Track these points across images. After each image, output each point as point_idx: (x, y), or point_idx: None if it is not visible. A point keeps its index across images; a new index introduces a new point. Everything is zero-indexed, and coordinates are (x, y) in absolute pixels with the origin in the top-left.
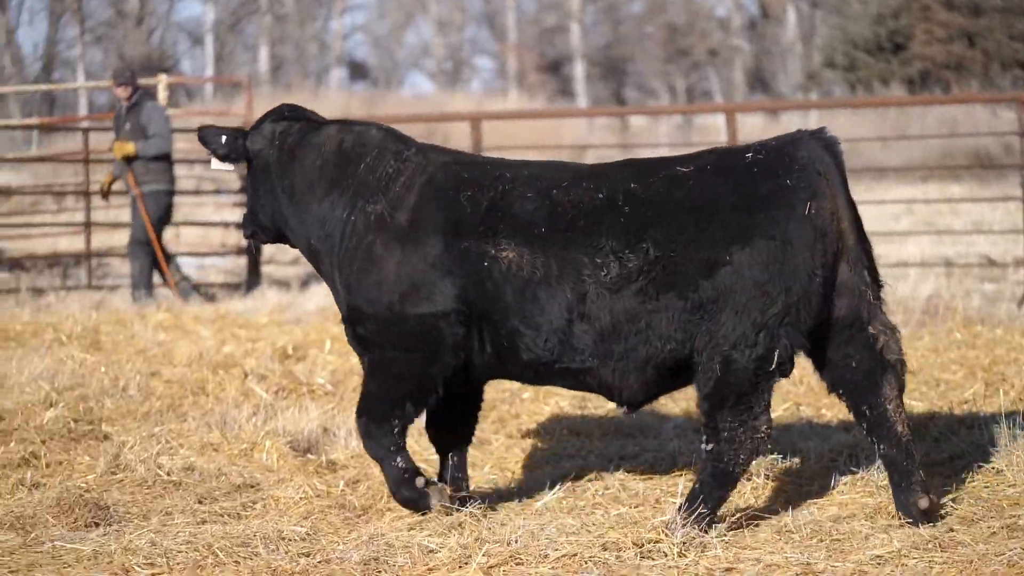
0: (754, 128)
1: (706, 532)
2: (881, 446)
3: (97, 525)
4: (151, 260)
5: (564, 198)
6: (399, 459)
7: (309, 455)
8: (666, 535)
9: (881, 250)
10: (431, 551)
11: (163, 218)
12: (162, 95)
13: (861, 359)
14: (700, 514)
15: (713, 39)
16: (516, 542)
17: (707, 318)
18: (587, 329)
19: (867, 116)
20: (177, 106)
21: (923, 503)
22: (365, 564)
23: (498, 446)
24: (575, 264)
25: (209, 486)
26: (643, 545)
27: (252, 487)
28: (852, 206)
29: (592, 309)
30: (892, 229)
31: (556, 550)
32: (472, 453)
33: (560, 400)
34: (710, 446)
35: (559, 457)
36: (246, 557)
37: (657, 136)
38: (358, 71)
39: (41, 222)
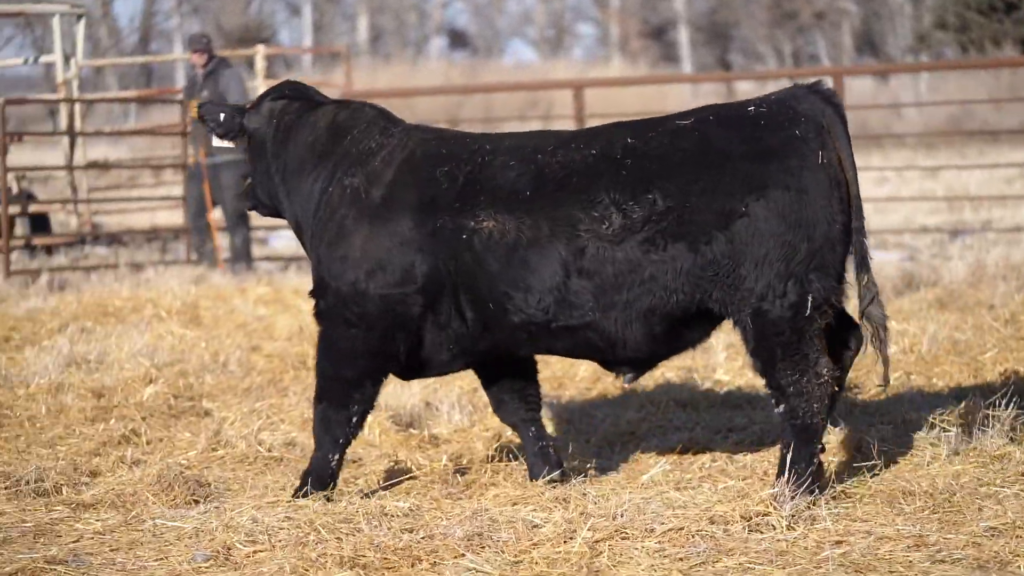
0: (863, 92)
1: (813, 503)
2: None
3: (198, 502)
4: (248, 233)
5: (552, 160)
6: (335, 458)
7: (411, 429)
8: (774, 508)
9: (994, 214)
10: (535, 526)
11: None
12: (260, 66)
13: (842, 315)
14: (801, 478)
15: (820, 1)
16: (622, 516)
17: (722, 272)
18: (586, 284)
19: (979, 78)
20: (275, 77)
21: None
22: (469, 540)
23: (603, 418)
24: (568, 221)
25: None
26: (751, 518)
27: (354, 462)
28: (852, 159)
29: (590, 263)
30: (1005, 193)
31: (662, 524)
32: (576, 427)
33: (666, 371)
34: (781, 407)
35: (665, 429)
36: (348, 533)
37: None
38: (458, 40)
39: (139, 196)
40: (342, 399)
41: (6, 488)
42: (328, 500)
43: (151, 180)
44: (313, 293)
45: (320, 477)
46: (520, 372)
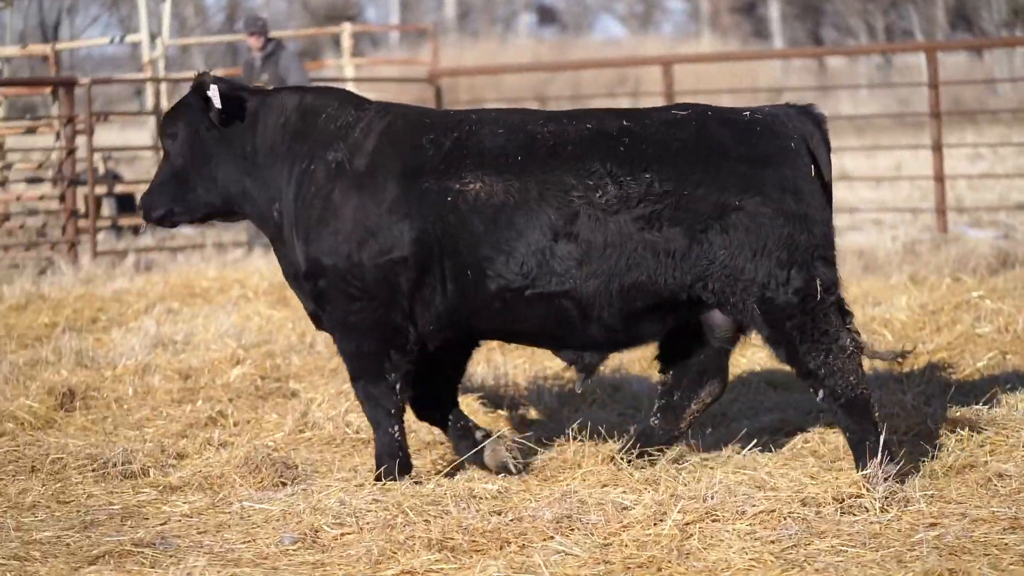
0: (957, 68)
1: (904, 482)
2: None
3: (285, 484)
4: None
5: (543, 130)
6: (396, 429)
7: (499, 411)
8: (867, 490)
9: None
10: (625, 508)
11: None
12: (346, 44)
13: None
14: (880, 454)
15: None
16: (712, 498)
17: (718, 262)
18: (572, 249)
19: None
20: (362, 55)
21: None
22: (558, 522)
23: None
24: (560, 186)
25: None
26: (843, 500)
27: (441, 444)
28: (831, 186)
29: (581, 229)
30: None
31: (753, 506)
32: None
33: (756, 352)
34: (820, 392)
35: (756, 410)
36: (436, 516)
37: (856, 77)
38: (547, 16)
39: None
40: (376, 372)
41: (94, 470)
42: (417, 483)
43: None
44: (307, 275)
45: (391, 453)
46: (447, 369)
